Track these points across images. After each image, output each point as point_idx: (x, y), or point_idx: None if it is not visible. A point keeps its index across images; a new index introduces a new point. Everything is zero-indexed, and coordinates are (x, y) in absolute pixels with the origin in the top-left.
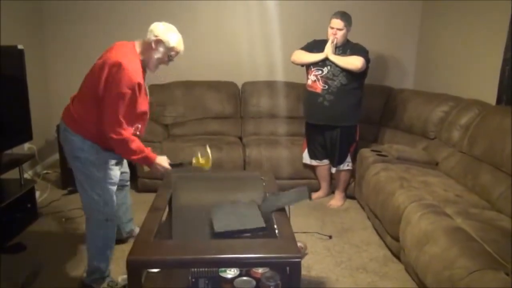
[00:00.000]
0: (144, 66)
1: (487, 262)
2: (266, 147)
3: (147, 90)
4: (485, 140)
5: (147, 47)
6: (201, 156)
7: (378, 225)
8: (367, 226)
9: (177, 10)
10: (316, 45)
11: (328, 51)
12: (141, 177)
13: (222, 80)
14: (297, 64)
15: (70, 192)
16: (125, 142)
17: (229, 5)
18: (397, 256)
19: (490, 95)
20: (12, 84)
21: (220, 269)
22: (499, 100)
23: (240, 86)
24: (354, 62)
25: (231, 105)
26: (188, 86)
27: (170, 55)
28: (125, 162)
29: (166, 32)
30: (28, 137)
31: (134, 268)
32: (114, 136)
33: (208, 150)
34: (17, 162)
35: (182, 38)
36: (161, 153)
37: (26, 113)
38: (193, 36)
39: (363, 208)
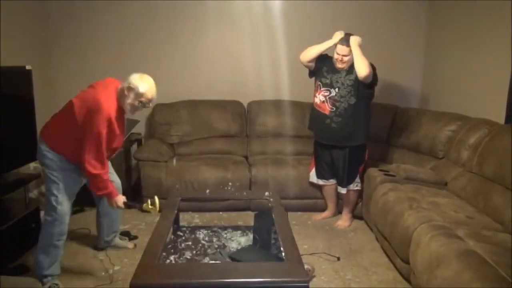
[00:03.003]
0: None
1: None
2: (272, 167)
3: (125, 128)
4: (495, 160)
5: (122, 93)
6: (151, 204)
7: (387, 246)
8: (375, 247)
9: (184, 30)
10: (325, 60)
11: (354, 42)
12: (145, 197)
13: (228, 99)
14: (307, 62)
15: (75, 212)
16: (98, 177)
17: (235, 24)
18: (407, 279)
19: (498, 114)
20: (20, 104)
21: None
22: (507, 119)
23: (246, 105)
24: (366, 68)
25: (237, 124)
26: (194, 105)
27: (140, 101)
28: (113, 172)
29: (137, 80)
30: (35, 157)
31: None
32: (92, 170)
33: (157, 200)
34: (23, 181)
35: (154, 87)
36: (167, 172)
37: (33, 133)
38: (199, 55)
39: (371, 228)
